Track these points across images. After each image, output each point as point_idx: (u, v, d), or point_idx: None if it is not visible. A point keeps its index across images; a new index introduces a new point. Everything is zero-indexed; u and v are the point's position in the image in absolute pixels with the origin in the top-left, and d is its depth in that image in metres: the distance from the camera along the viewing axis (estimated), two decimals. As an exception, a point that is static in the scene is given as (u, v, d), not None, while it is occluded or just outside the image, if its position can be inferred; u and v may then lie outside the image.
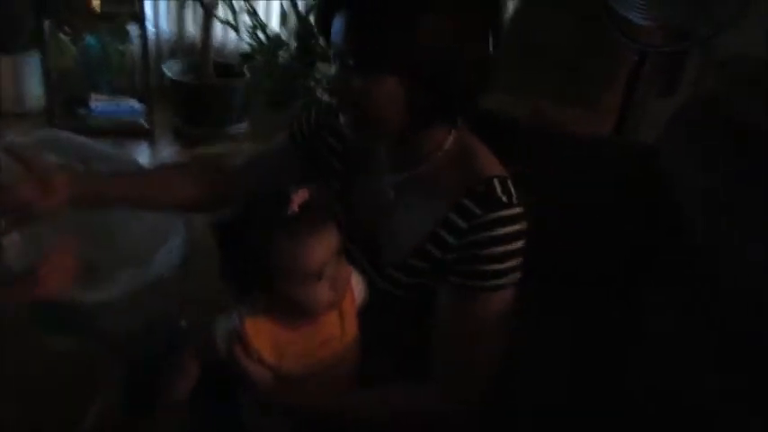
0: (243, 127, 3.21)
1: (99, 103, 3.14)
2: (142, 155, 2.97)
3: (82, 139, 1.70)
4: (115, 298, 1.33)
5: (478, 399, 0.85)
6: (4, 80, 3.00)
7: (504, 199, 0.82)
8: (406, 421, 0.88)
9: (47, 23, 2.90)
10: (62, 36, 3.06)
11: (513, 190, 0.84)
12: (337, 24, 0.79)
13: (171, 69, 3.14)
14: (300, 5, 2.94)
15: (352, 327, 0.88)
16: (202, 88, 3.09)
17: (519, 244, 0.83)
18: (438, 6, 0.75)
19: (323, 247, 0.78)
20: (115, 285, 1.41)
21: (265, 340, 0.82)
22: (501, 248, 0.82)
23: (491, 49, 0.80)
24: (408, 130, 0.83)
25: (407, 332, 0.92)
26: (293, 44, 2.98)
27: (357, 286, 0.89)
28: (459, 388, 0.85)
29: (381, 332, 0.89)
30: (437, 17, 0.75)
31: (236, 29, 3.05)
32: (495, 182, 0.83)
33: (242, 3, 3.01)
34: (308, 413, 0.87)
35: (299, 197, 0.76)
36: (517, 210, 0.83)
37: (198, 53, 3.12)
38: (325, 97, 2.84)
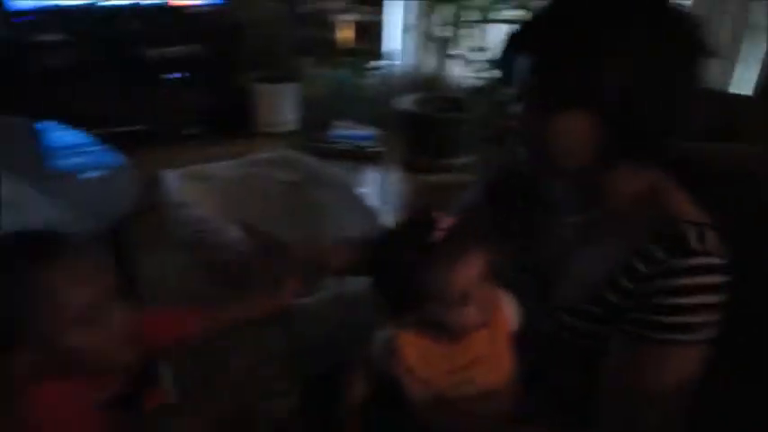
0: (466, 159, 3.28)
1: (340, 129, 3.49)
2: (372, 178, 3.20)
3: (312, 160, 1.88)
4: (318, 301, 1.43)
5: None
6: (263, 105, 3.48)
7: (697, 247, 0.74)
8: None
9: (304, 59, 3.33)
10: (315, 70, 3.47)
11: (711, 239, 0.75)
12: (522, 63, 0.78)
13: (405, 102, 3.36)
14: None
15: (503, 350, 0.87)
16: (430, 120, 3.24)
17: (709, 298, 0.74)
18: (625, 42, 0.71)
19: (466, 271, 0.79)
20: (322, 289, 1.51)
21: (416, 354, 0.85)
22: (685, 300, 0.73)
23: (688, 88, 0.73)
24: (593, 168, 0.79)
25: (569, 379, 0.86)
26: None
27: (509, 310, 0.87)
28: None
29: (542, 374, 0.85)
30: (623, 53, 0.71)
31: (468, 65, 3.16)
32: (688, 227, 0.75)
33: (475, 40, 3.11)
34: None
35: (444, 222, 0.78)
36: (712, 260, 0.74)
37: (431, 87, 3.29)
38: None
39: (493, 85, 3.05)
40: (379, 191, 3.09)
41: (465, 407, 0.86)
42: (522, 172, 0.95)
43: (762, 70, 2.61)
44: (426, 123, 3.26)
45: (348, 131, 3.48)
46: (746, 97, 2.37)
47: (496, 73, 3.02)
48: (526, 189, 0.95)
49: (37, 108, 2.74)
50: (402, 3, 3.45)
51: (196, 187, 1.66)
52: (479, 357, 0.86)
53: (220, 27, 3.33)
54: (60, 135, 2.14)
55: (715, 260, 0.75)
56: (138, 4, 3.14)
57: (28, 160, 2.09)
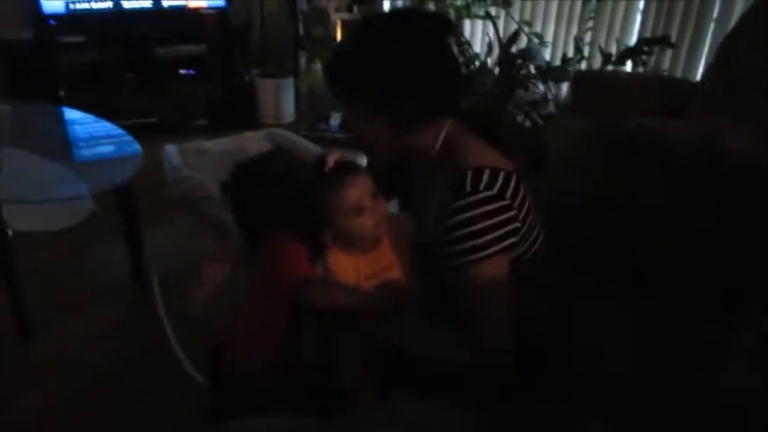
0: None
1: (336, 120, 3.82)
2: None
3: (292, 135, 2.22)
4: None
5: (500, 356, 1.03)
6: (264, 98, 3.83)
7: (469, 188, 1.01)
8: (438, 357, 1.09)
9: (302, 54, 3.67)
10: (312, 65, 3.81)
11: (486, 177, 1.02)
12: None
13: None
14: (502, 36, 3.24)
15: (405, 255, 1.15)
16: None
17: (485, 223, 1.00)
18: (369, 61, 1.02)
19: (356, 188, 1.08)
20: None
21: (340, 266, 1.14)
22: (465, 230, 1.00)
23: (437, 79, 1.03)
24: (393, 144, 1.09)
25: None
26: (496, 71, 3.28)
27: (406, 222, 1.16)
28: (479, 345, 1.04)
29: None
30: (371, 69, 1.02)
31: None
32: (466, 172, 1.02)
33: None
34: (380, 333, 1.11)
35: (333, 158, 1.08)
36: (482, 195, 1.00)
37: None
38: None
39: (471, 75, 3.34)
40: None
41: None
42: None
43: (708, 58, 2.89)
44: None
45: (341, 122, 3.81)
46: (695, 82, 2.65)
47: (474, 66, 3.33)
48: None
49: (65, 98, 3.14)
50: (393, 2, 3.77)
51: (192, 157, 2.00)
52: (390, 263, 1.14)
53: (226, 27, 3.70)
54: (85, 123, 2.51)
55: (485, 194, 1.00)
56: (160, 7, 3.51)
57: (57, 143, 2.47)
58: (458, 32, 1.06)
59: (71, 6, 3.29)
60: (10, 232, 1.85)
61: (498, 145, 1.12)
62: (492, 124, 1.20)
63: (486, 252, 1.01)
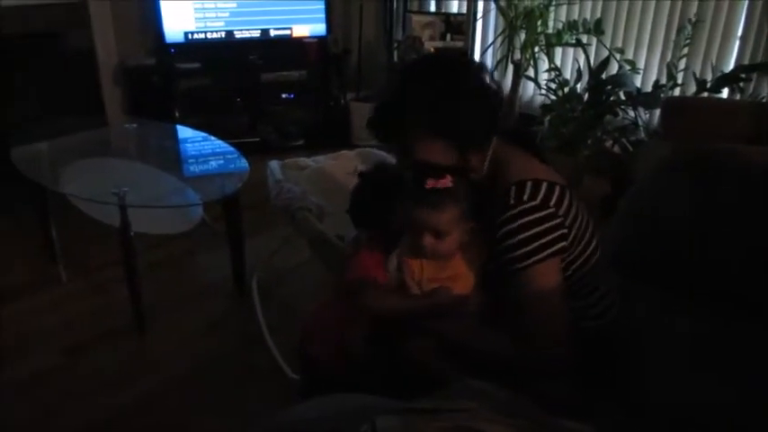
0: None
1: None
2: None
3: (383, 155, 2.35)
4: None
5: (553, 353, 1.12)
6: (358, 120, 4.01)
7: (512, 201, 1.11)
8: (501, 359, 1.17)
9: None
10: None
11: (529, 189, 1.11)
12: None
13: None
14: (593, 63, 3.27)
15: (472, 272, 1.25)
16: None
17: (530, 231, 1.09)
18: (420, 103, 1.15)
19: (444, 213, 1.17)
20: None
21: (412, 265, 1.26)
22: (512, 240, 1.10)
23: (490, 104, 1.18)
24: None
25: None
26: (585, 98, 3.31)
27: (483, 249, 1.24)
28: (531, 344, 1.12)
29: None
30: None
31: (539, 85, 3.52)
32: (510, 187, 1.12)
33: (545, 62, 3.48)
34: (447, 333, 1.22)
35: (435, 182, 1.16)
36: (524, 206, 1.10)
37: (506, 105, 3.68)
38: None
39: (560, 102, 3.39)
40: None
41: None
42: None
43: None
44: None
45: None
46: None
47: (563, 92, 3.38)
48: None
49: (179, 119, 3.46)
50: (482, 31, 3.89)
51: (292, 172, 2.18)
52: (455, 275, 1.24)
53: (325, 54, 3.94)
54: (199, 141, 2.78)
55: (526, 206, 1.10)
56: (267, 37, 3.81)
57: (174, 157, 2.75)
58: (490, 71, 1.23)
59: (189, 36, 3.63)
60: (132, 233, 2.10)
61: (540, 156, 1.25)
62: (532, 139, 1.32)
63: (535, 257, 1.10)
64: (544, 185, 1.13)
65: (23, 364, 2.00)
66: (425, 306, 1.24)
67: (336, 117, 4.05)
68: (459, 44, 3.68)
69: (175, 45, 3.61)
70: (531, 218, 1.11)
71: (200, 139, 2.78)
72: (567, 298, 1.15)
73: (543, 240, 1.11)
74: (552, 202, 1.12)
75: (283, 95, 3.95)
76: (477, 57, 3.86)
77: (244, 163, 2.37)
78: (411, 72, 1.25)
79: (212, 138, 2.71)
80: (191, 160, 2.71)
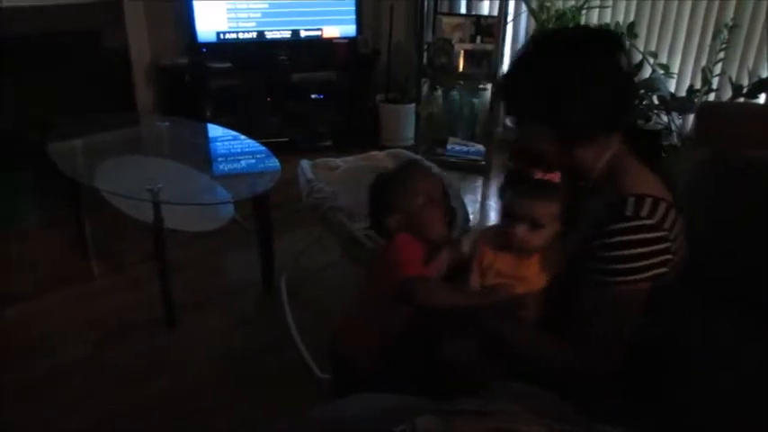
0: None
1: (454, 145, 3.95)
2: (477, 188, 3.62)
3: (414, 155, 2.36)
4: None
5: (599, 367, 1.07)
6: (386, 122, 4.04)
7: (630, 213, 1.03)
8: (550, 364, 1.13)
9: (424, 82, 3.86)
10: (434, 92, 3.97)
11: (647, 206, 1.03)
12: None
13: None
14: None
15: (542, 278, 1.21)
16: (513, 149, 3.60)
17: (640, 250, 1.03)
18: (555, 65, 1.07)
19: (543, 206, 1.16)
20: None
21: (486, 254, 1.25)
22: (620, 252, 1.03)
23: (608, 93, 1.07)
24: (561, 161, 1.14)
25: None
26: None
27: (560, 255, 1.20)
28: (585, 356, 1.08)
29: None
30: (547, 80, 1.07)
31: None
32: (627, 199, 1.04)
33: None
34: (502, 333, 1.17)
35: (544, 175, 1.14)
36: (642, 222, 1.02)
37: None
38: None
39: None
40: (480, 198, 3.51)
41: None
42: None
43: None
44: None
45: (460, 147, 3.93)
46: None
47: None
48: None
49: (210, 118, 3.50)
50: (512, 34, 3.87)
51: (323, 172, 2.19)
52: (524, 277, 1.21)
53: (355, 55, 3.95)
54: (231, 140, 2.81)
55: (645, 222, 1.02)
56: (298, 37, 3.83)
57: (206, 156, 2.79)
58: (627, 49, 1.09)
59: (221, 36, 3.67)
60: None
61: (659, 168, 1.14)
62: (657, 144, 1.21)
63: (631, 278, 1.04)
64: (662, 205, 1.06)
65: (53, 356, 2.04)
66: (486, 303, 1.21)
67: (365, 118, 4.06)
68: (489, 47, 3.65)
69: (207, 45, 3.65)
70: (645, 236, 1.04)
71: (231, 138, 2.81)
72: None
73: (650, 261, 1.04)
74: (667, 225, 1.06)
75: (312, 96, 3.97)
76: (506, 59, 3.84)
77: (275, 162, 2.39)
78: (535, 42, 1.15)
79: (243, 137, 2.74)
80: (222, 159, 2.74)
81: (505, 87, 1.18)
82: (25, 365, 1.99)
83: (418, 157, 2.43)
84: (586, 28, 1.19)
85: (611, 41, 1.10)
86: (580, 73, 1.05)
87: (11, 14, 3.02)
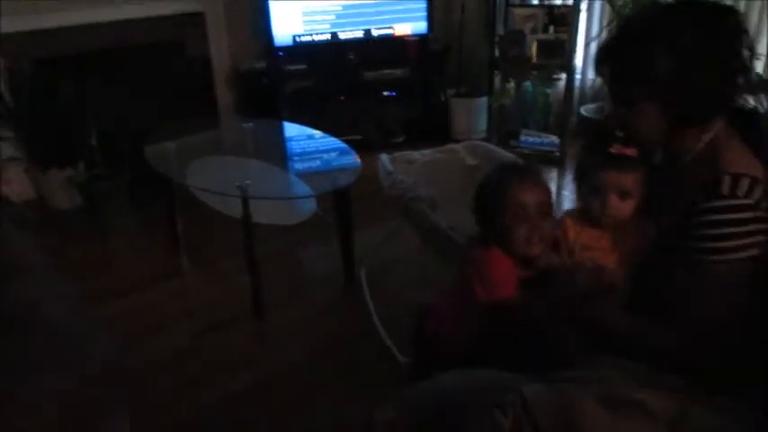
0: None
1: (527, 136, 3.92)
2: (552, 179, 3.58)
3: (492, 147, 2.37)
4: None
5: (701, 351, 1.05)
6: (457, 116, 4.05)
7: (726, 192, 1.03)
8: (643, 345, 1.11)
9: (496, 75, 3.85)
10: (506, 84, 3.96)
11: (744, 185, 1.02)
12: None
13: (588, 111, 3.69)
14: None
15: (622, 254, 1.25)
16: (604, 125, 3.53)
17: (736, 229, 1.03)
18: (669, 47, 1.06)
19: (625, 177, 1.21)
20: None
21: (571, 231, 1.29)
22: (716, 231, 1.04)
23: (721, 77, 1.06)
24: (663, 137, 1.14)
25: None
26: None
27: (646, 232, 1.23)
28: (686, 338, 1.07)
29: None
30: (668, 55, 1.06)
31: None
32: (724, 177, 1.04)
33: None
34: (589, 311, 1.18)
35: (622, 148, 1.18)
36: (738, 202, 1.02)
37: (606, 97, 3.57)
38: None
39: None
40: (555, 189, 3.46)
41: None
42: None
43: None
44: (600, 128, 3.55)
45: (534, 138, 3.89)
46: None
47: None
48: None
49: (287, 118, 3.62)
50: (587, 22, 3.80)
51: (401, 165, 2.24)
52: (606, 249, 1.25)
53: (427, 52, 3.99)
54: (312, 138, 2.91)
55: (741, 201, 1.02)
56: (370, 37, 3.91)
57: (289, 153, 2.90)
58: (744, 27, 1.07)
59: (297, 39, 3.79)
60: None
61: (759, 149, 1.12)
62: (759, 124, 1.17)
63: (726, 257, 1.04)
64: (760, 186, 1.05)
65: (144, 351, 2.13)
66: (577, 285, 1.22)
67: (437, 114, 4.09)
68: (563, 36, 3.60)
69: (284, 48, 3.77)
70: (742, 215, 1.04)
71: (311, 136, 2.91)
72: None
73: (742, 242, 1.04)
74: (764, 205, 1.05)
75: (385, 93, 4.03)
76: (580, 50, 3.77)
77: (355, 158, 2.46)
78: (654, 13, 1.12)
79: (323, 135, 2.83)
80: (304, 156, 2.83)
81: (625, 62, 1.13)
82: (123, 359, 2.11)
83: (495, 147, 2.43)
84: (715, 4, 1.15)
85: (737, 22, 1.08)
86: (710, 55, 1.05)
87: (102, 29, 3.24)
